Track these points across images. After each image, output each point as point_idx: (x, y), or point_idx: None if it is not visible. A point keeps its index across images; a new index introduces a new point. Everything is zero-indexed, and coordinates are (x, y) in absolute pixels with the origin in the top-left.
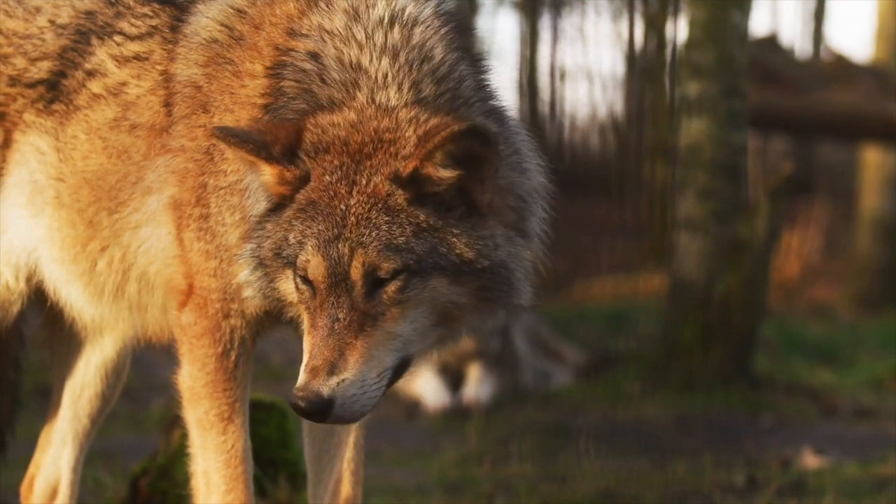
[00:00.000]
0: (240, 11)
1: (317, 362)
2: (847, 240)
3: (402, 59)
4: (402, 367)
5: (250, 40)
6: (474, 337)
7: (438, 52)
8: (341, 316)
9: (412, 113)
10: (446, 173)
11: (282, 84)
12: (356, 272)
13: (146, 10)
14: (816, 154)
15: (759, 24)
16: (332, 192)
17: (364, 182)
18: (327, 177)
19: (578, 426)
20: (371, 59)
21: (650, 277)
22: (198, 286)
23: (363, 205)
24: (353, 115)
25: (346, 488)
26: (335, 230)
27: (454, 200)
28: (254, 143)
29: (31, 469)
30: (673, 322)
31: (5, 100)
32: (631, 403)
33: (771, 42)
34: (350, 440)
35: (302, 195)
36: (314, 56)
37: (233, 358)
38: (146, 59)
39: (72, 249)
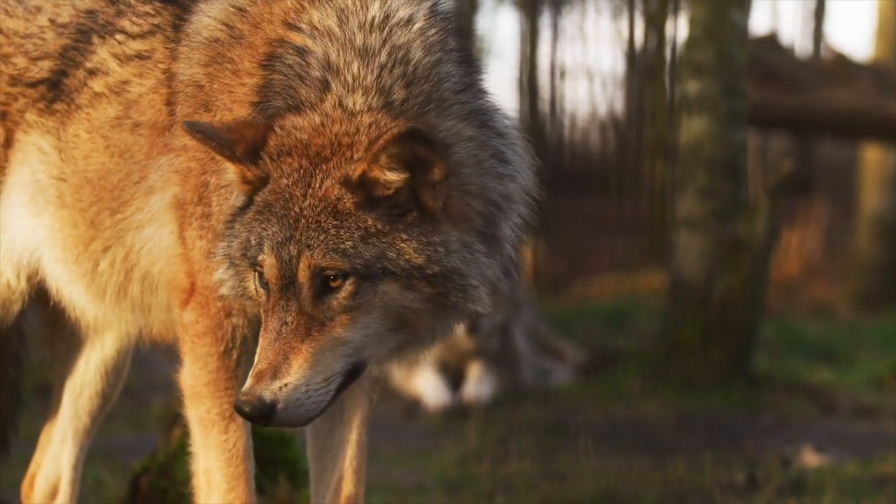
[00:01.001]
0: (241, 10)
1: (262, 366)
2: (847, 239)
3: (375, 62)
4: (355, 372)
5: (249, 39)
6: (474, 336)
7: (417, 55)
8: (289, 320)
9: (373, 118)
10: (393, 176)
11: (272, 77)
12: (303, 274)
13: (148, 8)
14: (816, 153)
15: (759, 22)
16: (287, 195)
17: (317, 185)
18: (284, 179)
19: (578, 425)
20: (345, 61)
21: (650, 276)
22: (200, 285)
23: (314, 208)
24: (317, 119)
25: (348, 486)
26: (287, 232)
27: (406, 205)
28: (218, 141)
29: (32, 467)
30: (673, 321)
31: (6, 99)
32: (631, 402)
33: (771, 41)
34: (352, 438)
35: (260, 197)
36: (301, 52)
37: (234, 357)
38: (148, 57)
39: (74, 249)
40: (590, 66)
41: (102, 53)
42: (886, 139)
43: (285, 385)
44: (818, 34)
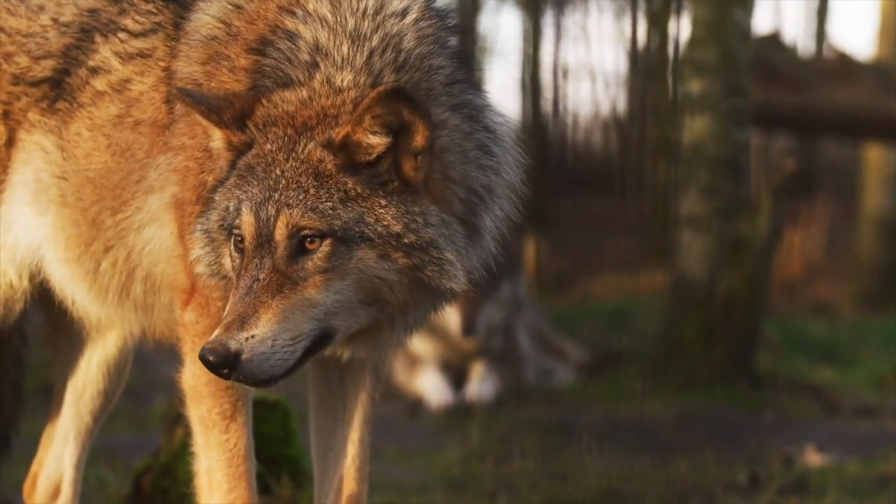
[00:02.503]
0: (238, 7)
1: (230, 318)
2: (849, 238)
3: (365, 45)
4: (323, 339)
5: (245, 35)
6: (470, 338)
7: (409, 44)
8: (262, 276)
9: (360, 93)
10: (375, 140)
11: (264, 63)
12: (280, 233)
13: (150, 6)
14: (819, 152)
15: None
16: (270, 159)
17: (300, 149)
18: (269, 145)
19: (581, 424)
20: (335, 43)
21: (652, 275)
22: (200, 285)
23: (295, 170)
24: (304, 93)
25: (351, 485)
26: (267, 193)
27: (388, 175)
28: (206, 106)
29: (34, 467)
30: (675, 320)
31: (9, 98)
32: (633, 401)
33: (774, 40)
34: (355, 437)
35: (243, 161)
36: (292, 36)
37: None
38: (149, 55)
39: (75, 249)
40: (592, 66)
41: (105, 52)
42: (889, 138)
43: (252, 336)
44: (821, 33)
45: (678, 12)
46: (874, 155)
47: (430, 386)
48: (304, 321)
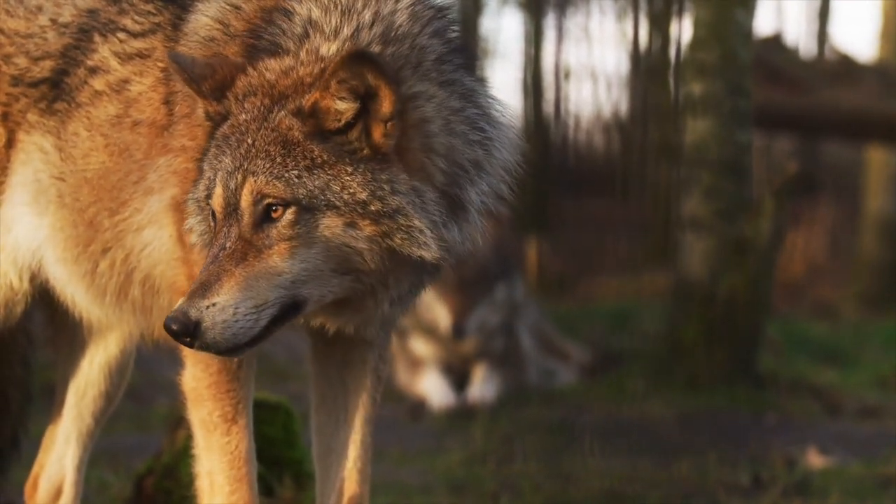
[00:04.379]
0: (236, 7)
1: (194, 287)
2: (852, 239)
3: (356, 19)
4: (292, 308)
5: (243, 36)
6: (461, 340)
7: (400, 22)
8: (228, 245)
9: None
10: (343, 105)
11: (259, 44)
12: (245, 200)
13: (149, 7)
14: (821, 153)
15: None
16: (243, 129)
17: (272, 118)
18: (243, 115)
19: (583, 425)
20: (328, 17)
21: (654, 276)
22: None
23: (265, 138)
24: (288, 62)
25: (353, 486)
26: (237, 162)
27: (358, 142)
28: (189, 75)
29: (36, 468)
30: (677, 321)
31: (8, 100)
32: (635, 402)
33: (775, 41)
34: (357, 438)
35: (220, 132)
36: (288, 13)
37: (236, 359)
38: (148, 55)
39: (73, 250)
40: (594, 67)
41: (104, 52)
42: (890, 140)
43: (213, 304)
44: (822, 35)
45: (680, 13)
46: (876, 156)
47: (433, 387)
48: (269, 289)
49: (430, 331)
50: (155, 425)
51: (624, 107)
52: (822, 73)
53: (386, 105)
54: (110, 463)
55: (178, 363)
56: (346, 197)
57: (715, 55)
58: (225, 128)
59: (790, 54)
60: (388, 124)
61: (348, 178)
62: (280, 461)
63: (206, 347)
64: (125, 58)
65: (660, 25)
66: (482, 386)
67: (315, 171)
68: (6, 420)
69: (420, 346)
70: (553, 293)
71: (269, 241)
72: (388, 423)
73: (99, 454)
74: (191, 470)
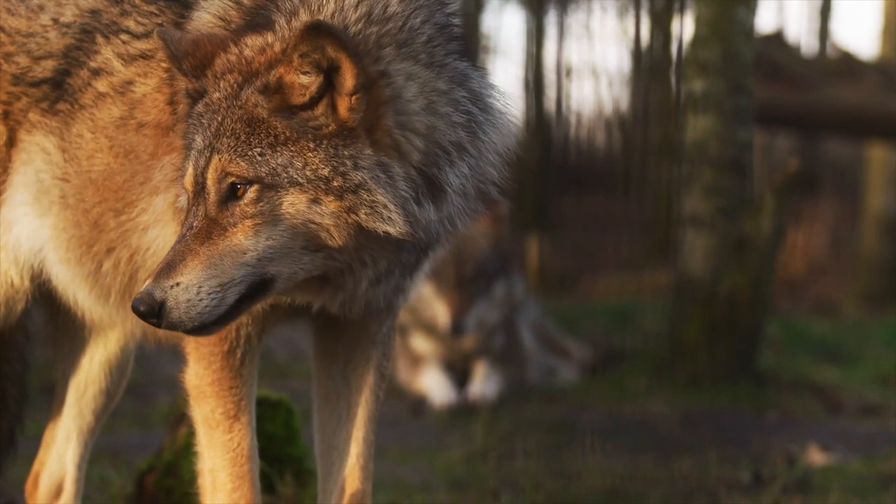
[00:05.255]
0: (238, 3)
1: (161, 267)
2: (853, 237)
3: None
4: (262, 287)
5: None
6: (458, 337)
7: (391, 4)
8: (195, 224)
9: None
10: (307, 79)
11: (254, 21)
12: (210, 179)
13: (152, 7)
14: (822, 151)
15: (765, 20)
16: (215, 108)
17: (242, 96)
18: (217, 93)
19: (584, 423)
20: None
21: (656, 274)
22: None
23: (233, 116)
24: (270, 38)
25: (355, 483)
26: (207, 141)
27: (325, 118)
28: (172, 52)
29: (36, 466)
30: (678, 319)
31: (9, 99)
32: (636, 400)
33: (777, 39)
34: (360, 436)
35: (196, 109)
36: None
37: (238, 356)
38: (152, 56)
39: (77, 250)
40: (595, 65)
41: (107, 53)
42: (892, 138)
43: (177, 284)
44: (824, 32)
45: (681, 11)
46: (877, 154)
47: (434, 385)
48: (234, 267)
49: (429, 328)
50: (156, 423)
51: (625, 104)
52: (823, 70)
53: (349, 78)
54: (112, 460)
55: (179, 360)
56: (308, 173)
57: (716, 53)
58: (200, 106)
59: (791, 52)
60: (353, 98)
61: (311, 154)
62: (281, 458)
63: (171, 327)
64: (128, 59)
65: (661, 23)
66: (483, 383)
67: (278, 149)
68: (3, 417)
69: (420, 344)
70: (554, 291)
71: (234, 220)
72: (389, 421)
73: (100, 451)
74: (193, 467)
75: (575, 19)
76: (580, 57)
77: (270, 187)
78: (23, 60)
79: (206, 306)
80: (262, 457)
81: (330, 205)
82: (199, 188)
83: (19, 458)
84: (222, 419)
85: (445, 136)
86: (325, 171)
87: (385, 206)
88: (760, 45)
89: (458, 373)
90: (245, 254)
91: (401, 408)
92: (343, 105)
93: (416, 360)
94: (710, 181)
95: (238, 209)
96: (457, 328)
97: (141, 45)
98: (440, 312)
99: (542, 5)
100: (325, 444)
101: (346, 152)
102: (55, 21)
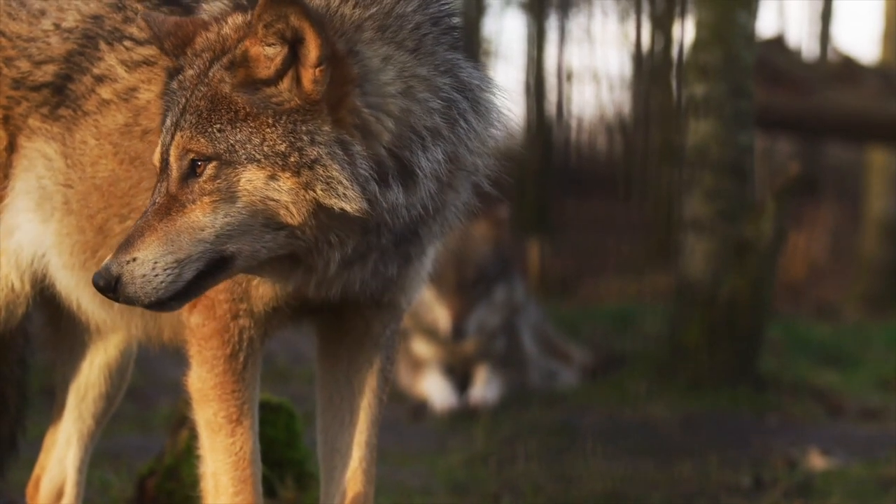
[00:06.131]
0: (238, 4)
1: (121, 243)
2: (853, 240)
3: None
4: (221, 264)
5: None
6: (460, 341)
7: None
8: (157, 200)
9: None
10: (271, 51)
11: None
12: (172, 155)
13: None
14: (823, 155)
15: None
16: (186, 85)
17: (210, 73)
18: (190, 71)
19: (585, 426)
20: None
21: (656, 277)
22: None
23: (199, 93)
24: (250, 17)
25: (357, 486)
26: (174, 118)
27: (289, 92)
28: (155, 32)
29: (37, 470)
30: (679, 322)
31: (9, 103)
32: (637, 403)
33: (778, 43)
34: (362, 439)
35: (169, 88)
36: None
37: (241, 359)
38: (155, 63)
39: (81, 255)
40: (596, 69)
41: (110, 60)
42: (892, 141)
43: (133, 259)
44: (825, 36)
45: (682, 15)
46: (878, 158)
47: (434, 388)
48: (192, 244)
49: (430, 332)
50: (157, 426)
51: (626, 108)
52: (824, 74)
53: (313, 49)
54: (113, 464)
55: (180, 364)
56: (265, 149)
57: (717, 57)
58: (174, 83)
59: (792, 56)
60: (317, 70)
61: (269, 129)
62: (282, 462)
63: (128, 301)
64: (132, 66)
65: (662, 27)
66: (484, 387)
67: (237, 125)
68: (4, 421)
69: (421, 348)
70: (555, 294)
71: (193, 197)
72: (390, 424)
73: (101, 455)
74: (194, 470)
75: (576, 23)
76: (581, 61)
77: (228, 164)
78: (23, 65)
79: (162, 282)
80: (264, 460)
81: (287, 181)
82: (164, 165)
83: (20, 462)
84: (224, 423)
85: (420, 120)
86: (282, 147)
87: (340, 183)
88: (761, 49)
89: (459, 377)
90: (203, 230)
91: (402, 412)
92: (307, 77)
93: (416, 364)
94: (710, 185)
95: (197, 186)
96: (458, 332)
97: (144, 52)
98: (441, 316)
99: (544, 9)
100: (328, 447)
101: (303, 128)
102: (57, 26)
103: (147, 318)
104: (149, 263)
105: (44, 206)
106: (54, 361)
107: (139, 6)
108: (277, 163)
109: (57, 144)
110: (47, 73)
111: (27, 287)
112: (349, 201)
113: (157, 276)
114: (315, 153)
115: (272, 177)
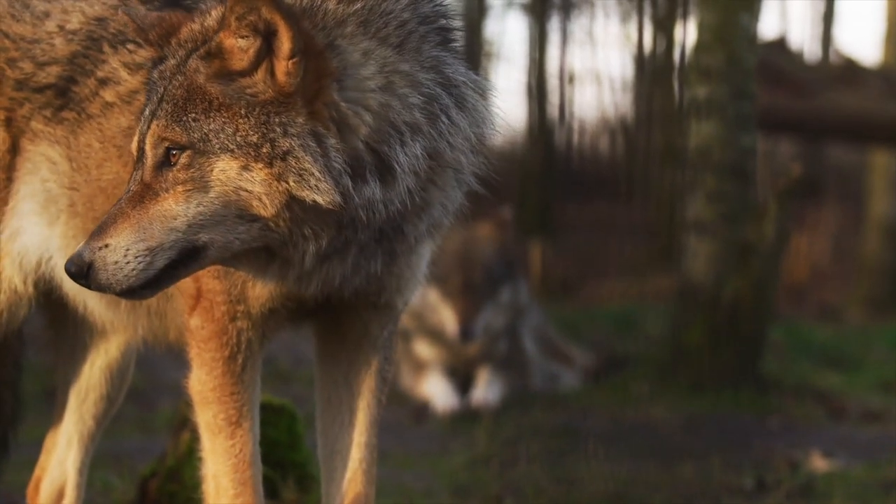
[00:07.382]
0: None
1: (94, 230)
2: (856, 242)
3: None
4: (194, 255)
5: None
6: (469, 342)
7: None
8: (132, 188)
9: None
10: (244, 42)
11: None
12: (148, 144)
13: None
14: (825, 157)
15: (767, 26)
16: (166, 75)
17: (189, 63)
18: (172, 61)
19: (587, 428)
20: None
21: (658, 279)
22: (204, 289)
23: (176, 83)
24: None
25: (358, 487)
26: (152, 107)
27: (263, 84)
28: (139, 24)
29: (37, 471)
30: (681, 324)
31: (11, 104)
32: (639, 405)
33: (780, 44)
34: (362, 440)
35: (151, 77)
36: None
37: (240, 361)
38: None
39: None
40: (598, 71)
41: (113, 62)
42: (894, 143)
43: (105, 246)
44: (827, 38)
45: (684, 17)
46: (880, 160)
47: (436, 390)
48: (164, 233)
49: (434, 333)
50: (159, 428)
51: (628, 110)
52: (826, 76)
53: (285, 41)
54: (114, 466)
55: (182, 365)
56: (238, 139)
57: (719, 59)
58: (155, 73)
59: (794, 58)
60: (291, 62)
61: (242, 120)
62: (284, 464)
63: (99, 288)
64: (135, 68)
65: (664, 29)
66: (486, 389)
67: (212, 115)
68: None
69: (424, 349)
70: (557, 296)
71: (166, 185)
72: (392, 426)
73: (103, 457)
74: (195, 472)
75: (578, 25)
76: (583, 63)
77: (202, 153)
78: (27, 66)
79: (133, 269)
80: (265, 462)
81: (260, 172)
82: (140, 154)
83: (21, 464)
84: (224, 425)
85: (400, 115)
86: (255, 138)
87: (312, 175)
88: (763, 51)
89: (461, 378)
90: (175, 219)
91: (404, 413)
92: (280, 69)
93: (418, 366)
94: (713, 187)
95: (171, 175)
96: (466, 334)
97: (147, 54)
98: (447, 318)
99: (546, 11)
100: (328, 448)
101: (276, 119)
102: (61, 28)
103: (153, 319)
104: (121, 250)
105: (49, 209)
106: (55, 363)
107: (142, 8)
108: (250, 153)
109: (61, 148)
110: (51, 74)
111: (30, 289)
112: (321, 193)
113: (128, 263)
114: (287, 144)
115: (245, 167)
